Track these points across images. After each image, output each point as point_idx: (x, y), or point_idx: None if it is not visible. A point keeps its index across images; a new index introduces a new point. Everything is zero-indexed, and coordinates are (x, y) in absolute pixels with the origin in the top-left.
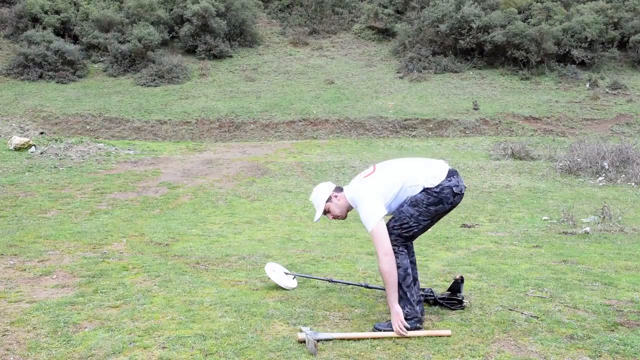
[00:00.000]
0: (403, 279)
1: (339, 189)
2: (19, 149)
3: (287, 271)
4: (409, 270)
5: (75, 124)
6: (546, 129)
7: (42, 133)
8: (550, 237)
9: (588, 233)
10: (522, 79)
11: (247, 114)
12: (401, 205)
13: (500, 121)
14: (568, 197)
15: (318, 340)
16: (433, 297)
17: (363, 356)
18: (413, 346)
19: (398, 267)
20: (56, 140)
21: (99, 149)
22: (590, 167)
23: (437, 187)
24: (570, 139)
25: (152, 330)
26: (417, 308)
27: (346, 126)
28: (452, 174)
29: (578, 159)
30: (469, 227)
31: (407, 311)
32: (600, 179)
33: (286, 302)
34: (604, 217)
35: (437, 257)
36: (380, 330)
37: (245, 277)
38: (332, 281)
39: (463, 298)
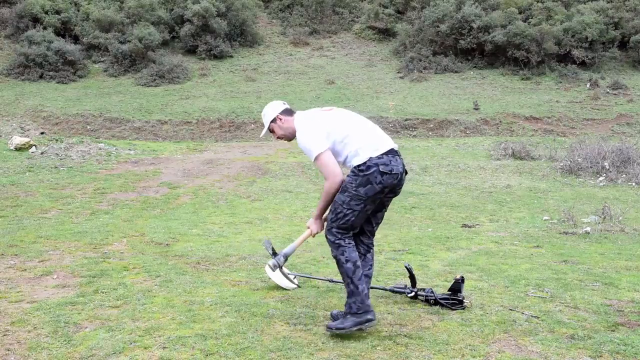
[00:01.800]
0: (353, 273)
1: (287, 112)
2: (19, 149)
3: (288, 271)
4: (358, 263)
5: (76, 124)
6: (547, 129)
7: (42, 133)
8: (551, 237)
9: (589, 233)
10: (522, 79)
11: (247, 114)
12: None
13: (500, 121)
14: (568, 197)
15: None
16: (434, 297)
17: (364, 356)
18: (414, 346)
19: (347, 261)
20: (57, 140)
21: (100, 149)
22: (591, 167)
23: (363, 164)
24: (570, 139)
25: (152, 330)
26: (367, 301)
27: None
28: (389, 153)
29: (578, 159)
30: (470, 227)
31: (359, 305)
32: (600, 179)
33: (287, 302)
34: (605, 217)
35: (438, 257)
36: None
37: (245, 277)
38: (333, 281)
39: (463, 298)
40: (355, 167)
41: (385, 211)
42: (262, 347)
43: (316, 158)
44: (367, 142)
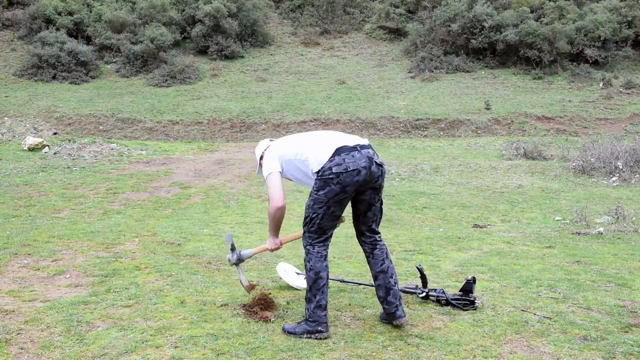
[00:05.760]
0: (314, 282)
1: None
2: (32, 149)
3: (299, 271)
4: (322, 274)
5: (88, 124)
6: (559, 129)
7: (55, 133)
8: (563, 238)
9: (601, 233)
10: (534, 79)
11: (258, 114)
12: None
13: (512, 121)
14: (581, 197)
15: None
16: (445, 298)
17: (375, 356)
18: (425, 347)
19: (310, 270)
20: (69, 140)
21: (112, 149)
22: (604, 167)
23: (320, 169)
24: (583, 139)
25: (164, 330)
26: (321, 313)
27: (357, 126)
28: (341, 151)
29: (591, 159)
30: (481, 227)
31: (311, 313)
32: (613, 179)
33: (297, 302)
34: (618, 217)
35: (449, 257)
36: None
37: (257, 277)
38: (344, 281)
39: (475, 299)
40: (314, 172)
41: (377, 208)
42: (273, 347)
43: (266, 178)
44: (315, 154)
